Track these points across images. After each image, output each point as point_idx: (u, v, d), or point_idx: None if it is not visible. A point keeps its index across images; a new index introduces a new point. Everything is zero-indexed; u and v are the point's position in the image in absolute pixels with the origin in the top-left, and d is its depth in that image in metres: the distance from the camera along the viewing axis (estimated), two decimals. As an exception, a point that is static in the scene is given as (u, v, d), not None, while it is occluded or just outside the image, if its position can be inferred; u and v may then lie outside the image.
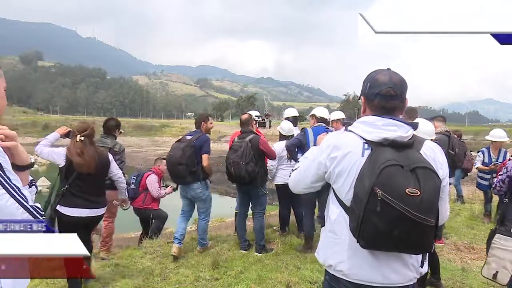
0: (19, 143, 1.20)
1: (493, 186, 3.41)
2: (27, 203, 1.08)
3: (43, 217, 1.13)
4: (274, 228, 5.63)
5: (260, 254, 4.41)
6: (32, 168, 1.29)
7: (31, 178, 1.31)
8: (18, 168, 1.21)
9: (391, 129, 1.45)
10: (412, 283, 1.51)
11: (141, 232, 6.08)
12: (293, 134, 5.00)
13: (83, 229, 3.30)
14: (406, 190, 1.29)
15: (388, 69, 1.55)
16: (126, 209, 4.68)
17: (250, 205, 4.75)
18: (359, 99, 1.61)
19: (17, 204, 1.05)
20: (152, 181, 5.71)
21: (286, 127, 5.11)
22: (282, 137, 5.10)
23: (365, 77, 1.58)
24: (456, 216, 6.41)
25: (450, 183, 8.72)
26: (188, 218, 4.49)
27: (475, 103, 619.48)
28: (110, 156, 3.62)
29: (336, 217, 1.52)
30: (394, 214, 1.29)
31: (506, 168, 3.23)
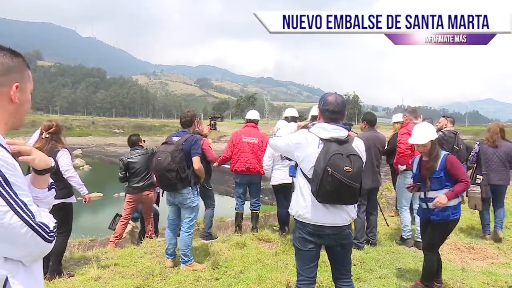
0: (36, 155, 1.17)
1: (468, 158, 5.16)
2: (33, 220, 1.04)
3: (49, 234, 1.08)
4: (274, 228, 5.63)
5: (207, 242, 4.66)
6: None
7: (51, 180, 1.27)
8: (38, 172, 1.20)
9: (335, 131, 2.32)
10: (348, 223, 2.43)
11: (139, 230, 6.09)
12: None
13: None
14: (344, 168, 2.18)
15: (335, 92, 2.43)
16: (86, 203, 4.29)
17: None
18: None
19: (22, 221, 1.01)
20: None
21: (281, 126, 5.12)
22: (276, 137, 5.12)
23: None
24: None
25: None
26: (176, 229, 4.10)
27: (475, 103, 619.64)
28: (60, 154, 3.78)
29: (302, 185, 2.40)
30: (337, 182, 2.18)
31: (474, 149, 5.00)
